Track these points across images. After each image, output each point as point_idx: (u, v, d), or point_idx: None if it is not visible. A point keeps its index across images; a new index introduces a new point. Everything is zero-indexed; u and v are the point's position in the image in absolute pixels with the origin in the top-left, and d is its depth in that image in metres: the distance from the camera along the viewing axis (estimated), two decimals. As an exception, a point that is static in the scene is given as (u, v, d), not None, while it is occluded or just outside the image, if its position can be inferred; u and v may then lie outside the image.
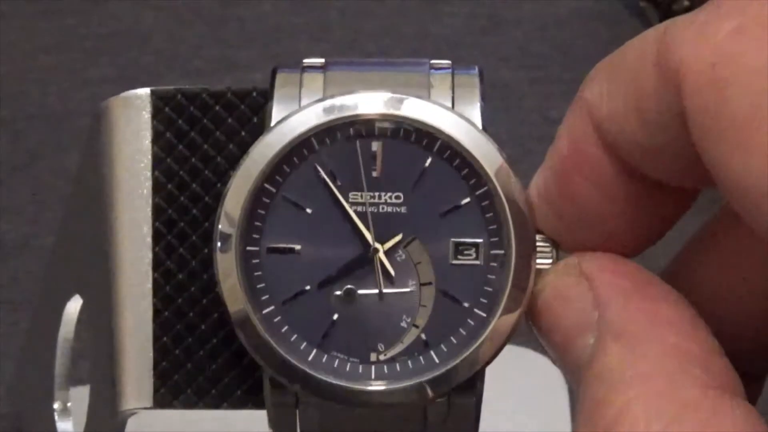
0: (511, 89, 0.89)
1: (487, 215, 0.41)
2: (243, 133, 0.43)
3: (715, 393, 0.35)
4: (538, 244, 0.41)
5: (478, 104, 0.42)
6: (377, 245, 0.41)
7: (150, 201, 0.43)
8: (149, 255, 0.43)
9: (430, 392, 0.41)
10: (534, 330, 0.41)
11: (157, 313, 0.43)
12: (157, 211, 0.43)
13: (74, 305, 0.50)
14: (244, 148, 0.42)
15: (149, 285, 0.43)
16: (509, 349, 0.42)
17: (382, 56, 0.43)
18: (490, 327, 0.41)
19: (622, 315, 0.37)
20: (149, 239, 0.43)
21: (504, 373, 0.42)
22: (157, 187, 0.43)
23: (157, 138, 0.43)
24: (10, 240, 0.74)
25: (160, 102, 0.43)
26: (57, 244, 0.52)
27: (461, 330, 0.41)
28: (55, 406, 0.52)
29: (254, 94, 0.43)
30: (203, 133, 0.43)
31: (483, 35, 0.93)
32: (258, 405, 0.43)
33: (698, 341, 0.37)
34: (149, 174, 0.43)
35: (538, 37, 0.92)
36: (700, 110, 0.35)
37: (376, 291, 0.41)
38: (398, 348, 0.42)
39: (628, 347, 0.36)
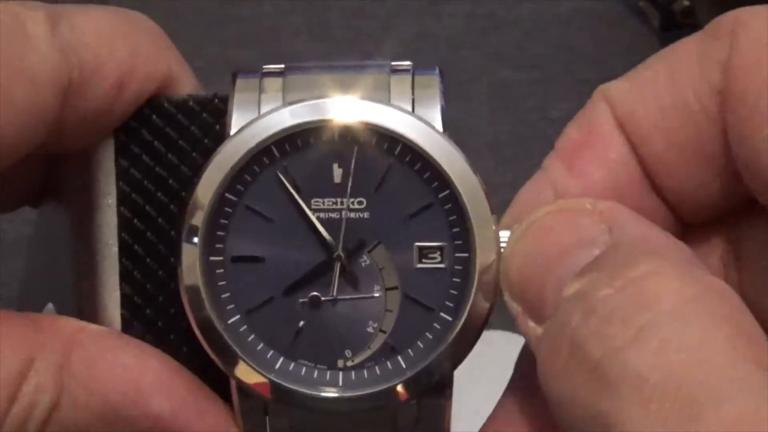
0: (511, 89, 0.89)
1: (451, 218, 0.41)
2: (206, 141, 0.43)
3: (728, 285, 0.36)
4: (502, 242, 0.40)
5: (438, 106, 0.41)
6: (337, 250, 0.41)
7: (115, 211, 0.43)
8: (116, 265, 0.43)
9: (398, 397, 0.41)
10: (515, 254, 0.40)
11: (126, 322, 0.43)
12: (123, 221, 0.43)
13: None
14: (207, 155, 0.41)
15: (117, 294, 0.43)
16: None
17: (379, 57, 0.42)
18: (457, 330, 0.41)
19: (639, 232, 0.37)
20: (116, 249, 0.43)
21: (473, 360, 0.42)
22: (122, 198, 0.43)
23: (121, 149, 0.43)
24: (10, 240, 0.74)
25: None
26: (29, 253, 0.52)
27: (428, 334, 0.41)
28: None
29: (216, 101, 0.43)
30: (166, 143, 0.43)
31: (483, 35, 0.92)
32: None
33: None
34: (113, 185, 0.43)
35: (538, 37, 0.92)
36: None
37: (341, 297, 0.41)
38: (366, 354, 0.41)
39: (646, 248, 0.36)
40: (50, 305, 0.48)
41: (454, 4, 0.94)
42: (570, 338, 0.35)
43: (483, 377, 0.53)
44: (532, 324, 0.38)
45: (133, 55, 0.41)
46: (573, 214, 0.38)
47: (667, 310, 0.34)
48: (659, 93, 0.39)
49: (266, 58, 0.43)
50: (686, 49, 0.39)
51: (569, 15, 0.93)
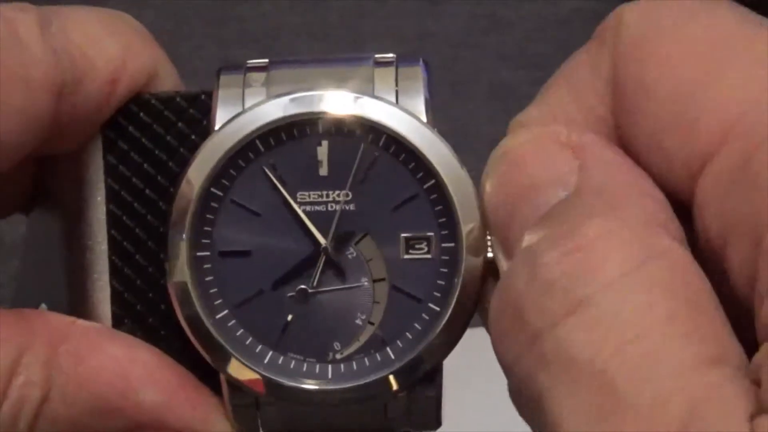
0: (511, 89, 0.89)
1: (437, 208, 0.41)
2: (193, 137, 0.43)
3: (684, 250, 0.35)
4: (489, 234, 0.40)
5: (422, 97, 0.41)
6: (324, 242, 0.41)
7: (104, 208, 0.43)
8: (106, 262, 0.43)
9: (388, 388, 0.41)
10: (487, 181, 0.39)
11: (116, 319, 0.43)
12: (112, 218, 0.43)
13: None
14: (194, 151, 0.41)
15: (107, 292, 0.43)
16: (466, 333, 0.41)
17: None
18: (445, 320, 0.41)
19: (608, 179, 0.36)
20: (105, 246, 0.43)
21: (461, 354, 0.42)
22: (110, 194, 0.43)
23: (109, 146, 0.43)
24: (10, 240, 0.74)
25: None
26: (23, 255, 0.52)
27: (416, 325, 0.41)
28: None
29: (203, 97, 0.43)
30: (154, 139, 0.43)
31: (483, 35, 0.93)
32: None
33: (676, 222, 0.37)
34: (102, 182, 0.43)
35: (538, 37, 0.92)
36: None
37: (328, 289, 0.41)
38: (355, 346, 0.42)
39: (607, 202, 0.35)
40: (44, 305, 0.48)
41: (454, 4, 0.94)
42: (514, 303, 0.35)
43: (475, 373, 0.53)
44: (502, 258, 0.38)
45: (123, 51, 0.42)
46: (547, 145, 0.38)
47: (608, 282, 0.33)
48: (568, 113, 0.39)
49: (268, 58, 0.43)
50: (581, 61, 0.39)
51: (569, 15, 0.93)
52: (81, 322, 0.42)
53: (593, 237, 0.34)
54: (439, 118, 0.41)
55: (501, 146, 0.39)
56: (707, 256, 0.35)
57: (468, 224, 0.40)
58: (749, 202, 0.33)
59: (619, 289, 0.33)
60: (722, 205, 0.34)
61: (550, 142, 0.38)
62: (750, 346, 0.33)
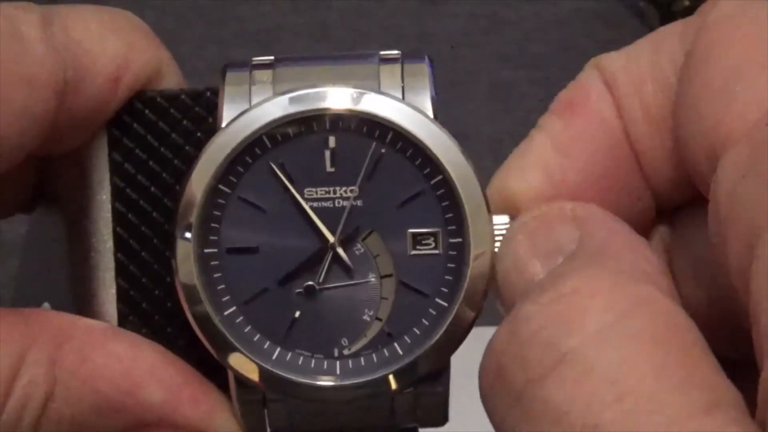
0: (511, 89, 0.89)
1: (444, 204, 0.41)
2: (199, 134, 0.43)
3: (670, 299, 0.34)
4: (495, 227, 0.40)
5: (429, 93, 0.41)
6: (331, 239, 0.41)
7: (109, 206, 0.43)
8: (112, 260, 0.43)
9: (395, 384, 0.41)
10: (500, 253, 0.40)
11: (122, 317, 0.43)
12: (118, 216, 0.43)
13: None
14: (200, 149, 0.41)
15: (113, 289, 0.43)
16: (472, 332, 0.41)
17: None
18: (452, 316, 0.41)
19: (604, 241, 0.37)
20: (110, 244, 0.43)
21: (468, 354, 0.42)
22: (116, 192, 0.43)
23: (114, 143, 0.43)
24: (10, 240, 0.74)
25: None
26: (25, 253, 0.52)
27: (424, 320, 0.41)
28: None
29: (208, 94, 0.43)
30: (159, 136, 0.43)
31: (483, 35, 0.93)
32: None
33: (668, 279, 0.37)
34: (107, 180, 0.43)
35: (538, 37, 0.92)
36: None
37: (335, 285, 0.41)
38: (362, 342, 0.41)
39: (597, 258, 0.35)
40: (46, 304, 0.48)
41: (454, 4, 0.94)
42: (497, 359, 0.35)
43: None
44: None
45: (125, 49, 0.42)
46: (552, 219, 0.38)
47: (591, 333, 0.33)
48: (641, 61, 0.39)
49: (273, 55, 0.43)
50: (674, 26, 0.40)
51: (569, 15, 0.93)
52: (85, 320, 0.42)
53: (573, 288, 0.34)
54: (439, 117, 0.41)
55: (512, 227, 0.40)
56: (716, 253, 0.35)
57: (475, 220, 0.40)
58: (749, 204, 0.33)
59: (604, 339, 0.33)
60: (726, 201, 0.34)
61: (555, 216, 0.38)
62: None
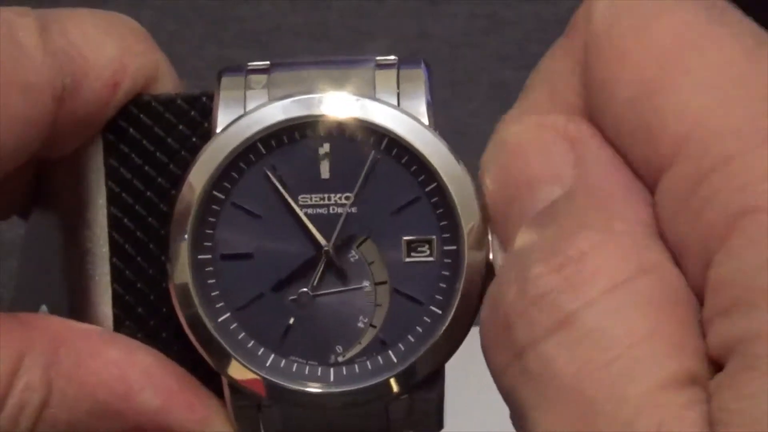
0: (511, 89, 0.89)
1: (438, 211, 0.41)
2: (194, 139, 0.43)
3: (673, 265, 0.34)
4: (490, 235, 0.40)
5: (424, 99, 0.41)
6: (326, 246, 0.41)
7: (104, 211, 0.43)
8: (107, 264, 0.43)
9: (390, 391, 0.41)
10: (486, 173, 0.39)
11: (118, 321, 0.43)
12: (113, 221, 0.43)
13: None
14: (195, 153, 0.41)
15: (108, 294, 0.43)
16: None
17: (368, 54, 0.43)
18: (447, 323, 0.41)
19: (602, 180, 0.36)
20: (106, 249, 0.43)
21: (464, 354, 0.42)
22: (111, 197, 0.43)
23: (109, 148, 0.43)
24: (10, 240, 0.74)
25: None
26: (22, 256, 0.52)
27: (418, 328, 0.41)
28: None
29: (204, 99, 0.43)
30: (155, 141, 0.43)
31: (483, 35, 0.93)
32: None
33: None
34: (103, 184, 0.43)
35: (538, 37, 0.92)
36: None
37: (329, 292, 0.41)
38: (356, 349, 0.41)
39: (600, 209, 0.35)
40: (44, 307, 0.48)
41: (454, 4, 0.94)
42: (504, 314, 0.35)
43: (476, 373, 0.53)
44: (499, 252, 0.38)
45: (123, 53, 0.42)
46: (545, 135, 0.37)
47: (595, 298, 0.33)
48: (548, 112, 0.38)
49: (266, 59, 0.43)
50: (556, 57, 0.38)
51: (569, 15, 0.93)
52: (80, 325, 0.42)
53: (583, 250, 0.34)
54: (439, 118, 0.41)
55: (498, 136, 0.39)
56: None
57: (470, 227, 0.40)
58: (697, 228, 0.33)
59: (604, 305, 0.33)
60: (673, 223, 0.34)
61: (548, 132, 0.37)
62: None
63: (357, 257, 0.41)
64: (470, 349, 0.41)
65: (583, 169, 0.36)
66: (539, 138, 0.37)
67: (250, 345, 0.41)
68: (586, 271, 0.34)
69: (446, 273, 0.41)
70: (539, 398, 0.33)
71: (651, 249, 0.34)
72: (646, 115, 0.34)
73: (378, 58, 0.42)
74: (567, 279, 0.34)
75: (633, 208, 0.35)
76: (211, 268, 0.41)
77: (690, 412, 0.32)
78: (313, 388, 0.41)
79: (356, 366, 0.41)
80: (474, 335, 0.41)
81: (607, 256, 0.34)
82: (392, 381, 0.41)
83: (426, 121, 0.41)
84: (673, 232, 0.34)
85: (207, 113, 0.43)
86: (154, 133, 0.43)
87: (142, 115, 0.43)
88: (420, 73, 0.42)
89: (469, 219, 0.40)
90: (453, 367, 0.42)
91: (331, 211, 0.41)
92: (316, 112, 0.41)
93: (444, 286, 0.41)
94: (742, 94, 0.33)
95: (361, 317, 0.41)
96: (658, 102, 0.34)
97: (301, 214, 0.41)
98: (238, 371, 0.41)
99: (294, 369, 0.41)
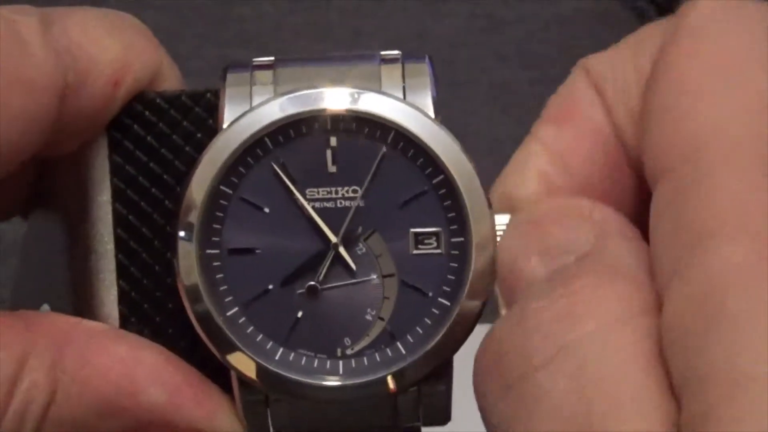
0: (511, 89, 0.89)
1: (446, 203, 0.41)
2: (199, 135, 0.43)
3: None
4: (497, 226, 0.41)
5: (430, 93, 0.41)
6: (334, 239, 0.41)
7: (109, 208, 0.43)
8: (112, 262, 0.43)
9: (398, 384, 0.41)
10: (507, 233, 0.40)
11: (124, 319, 0.43)
12: (118, 218, 0.43)
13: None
14: (200, 150, 0.41)
15: (114, 291, 0.43)
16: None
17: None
18: (455, 315, 0.41)
19: (618, 249, 0.37)
20: (111, 246, 0.43)
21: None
22: (116, 194, 0.43)
23: (114, 145, 0.43)
24: (10, 239, 0.74)
25: None
26: (23, 255, 0.52)
27: (426, 320, 0.41)
28: None
29: (208, 95, 0.43)
30: (160, 138, 0.43)
31: (483, 35, 0.93)
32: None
33: None
34: (108, 181, 0.43)
35: (539, 37, 0.92)
36: None
37: (337, 284, 0.42)
38: (365, 342, 0.42)
39: (608, 264, 0.36)
40: (46, 306, 0.48)
41: (454, 4, 0.94)
42: (497, 347, 0.35)
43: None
44: (502, 308, 0.39)
45: (125, 50, 0.42)
46: (570, 215, 0.39)
47: (591, 331, 0.34)
48: (626, 65, 0.39)
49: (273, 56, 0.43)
50: (655, 26, 0.40)
51: (569, 15, 0.93)
52: (85, 322, 0.42)
53: (581, 286, 0.35)
54: (444, 114, 0.42)
55: (526, 209, 0.40)
56: None
57: (477, 219, 0.40)
58: (671, 244, 0.34)
59: (599, 340, 0.33)
60: (654, 232, 0.35)
61: (574, 213, 0.38)
62: None
63: (364, 250, 0.42)
64: (477, 342, 0.41)
65: (603, 241, 0.37)
66: (564, 215, 0.39)
67: (258, 339, 0.41)
68: (583, 304, 0.34)
69: (454, 265, 0.41)
70: (538, 425, 0.33)
71: (644, 288, 0.35)
72: (667, 118, 0.36)
73: (383, 53, 0.42)
74: (564, 310, 0.34)
75: (640, 270, 0.36)
76: (218, 263, 0.41)
77: None
78: (322, 382, 0.41)
79: (365, 358, 0.42)
80: (479, 330, 0.41)
81: (606, 291, 0.34)
82: (400, 373, 0.41)
83: (432, 114, 0.41)
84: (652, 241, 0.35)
85: (212, 110, 0.43)
86: (158, 129, 0.43)
87: (146, 112, 0.43)
88: (425, 68, 0.42)
89: (476, 211, 0.40)
90: (459, 363, 0.42)
91: (338, 204, 0.41)
92: (322, 106, 0.41)
93: (452, 278, 0.41)
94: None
95: (369, 310, 0.42)
96: (679, 109, 0.35)
97: (308, 208, 0.41)
98: (246, 365, 0.41)
99: (303, 362, 0.41)
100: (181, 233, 0.41)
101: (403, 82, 0.42)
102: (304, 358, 0.42)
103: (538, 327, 0.34)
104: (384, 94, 0.41)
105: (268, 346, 0.41)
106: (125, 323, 0.43)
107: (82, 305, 0.44)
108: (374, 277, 0.42)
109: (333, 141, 0.41)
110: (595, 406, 0.32)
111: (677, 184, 0.34)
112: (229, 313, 0.41)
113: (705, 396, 0.30)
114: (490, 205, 0.40)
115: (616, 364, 0.33)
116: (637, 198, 0.40)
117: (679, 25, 0.37)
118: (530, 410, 0.33)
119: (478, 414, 0.39)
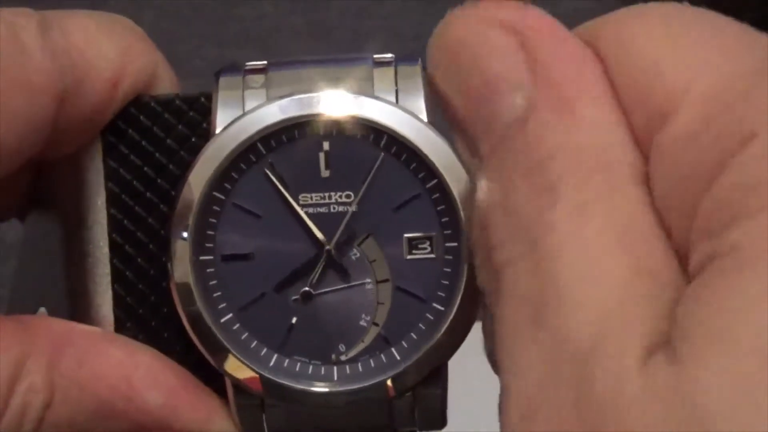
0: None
1: (439, 208, 0.41)
2: (193, 139, 0.43)
3: (636, 187, 0.34)
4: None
5: (422, 96, 0.41)
6: (327, 244, 0.41)
7: (104, 212, 0.43)
8: (107, 266, 0.43)
9: (393, 389, 0.41)
10: (437, 70, 0.38)
11: (119, 323, 0.43)
12: (113, 222, 0.43)
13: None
14: (195, 154, 0.41)
15: (109, 296, 0.43)
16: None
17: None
18: (450, 320, 0.41)
19: (561, 79, 0.36)
20: (106, 250, 0.43)
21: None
22: (111, 198, 0.43)
23: (109, 149, 0.43)
24: (10, 240, 0.74)
25: None
26: (20, 257, 0.52)
27: (421, 325, 0.41)
28: None
29: (202, 99, 0.43)
30: (154, 142, 0.43)
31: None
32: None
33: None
34: (102, 185, 0.43)
35: (538, 37, 0.92)
36: None
37: (331, 289, 0.41)
38: (359, 347, 0.42)
39: (564, 117, 0.35)
40: (42, 309, 0.48)
41: (453, 5, 0.94)
42: (475, 242, 0.36)
43: (478, 368, 0.53)
44: (466, 152, 0.37)
45: (122, 53, 0.42)
46: (491, 44, 0.37)
47: (568, 211, 0.33)
48: None
49: (265, 59, 0.43)
50: None
51: (569, 15, 0.93)
52: (82, 326, 0.42)
53: (559, 174, 0.34)
54: (438, 118, 0.41)
55: (441, 40, 0.39)
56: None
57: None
58: (692, 174, 0.33)
59: (577, 217, 0.33)
60: (670, 169, 0.34)
61: (491, 29, 0.37)
62: None
63: (358, 255, 0.41)
64: (472, 346, 0.41)
65: (541, 71, 0.36)
66: (484, 38, 0.37)
67: (253, 345, 0.41)
68: (561, 189, 0.34)
69: (448, 270, 0.41)
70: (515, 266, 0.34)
71: (620, 179, 0.34)
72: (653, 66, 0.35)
73: (375, 56, 0.42)
74: (544, 194, 0.34)
75: (598, 109, 0.35)
76: (212, 269, 0.41)
77: (636, 310, 0.32)
78: (317, 388, 0.41)
79: (359, 364, 0.41)
80: (476, 332, 0.41)
81: (580, 182, 0.34)
82: (396, 379, 0.41)
83: (425, 117, 0.41)
84: (666, 179, 0.34)
85: (206, 113, 0.43)
86: (153, 133, 0.43)
87: (141, 116, 0.43)
88: (417, 70, 0.42)
89: (469, 215, 0.40)
90: (454, 366, 0.42)
91: (331, 209, 0.41)
92: (315, 110, 0.41)
93: (446, 282, 0.41)
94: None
95: (363, 315, 0.41)
96: (662, 61, 0.35)
97: (301, 213, 0.41)
98: (240, 371, 0.41)
99: (298, 368, 0.41)
100: (175, 237, 0.41)
101: (396, 85, 0.41)
102: (299, 364, 0.41)
103: (522, 208, 0.34)
104: (376, 98, 0.41)
105: (263, 353, 0.41)
106: (120, 327, 0.43)
107: (78, 309, 0.44)
108: (368, 282, 0.41)
109: (326, 146, 0.41)
110: (562, 276, 0.33)
111: (695, 125, 0.34)
112: (223, 319, 0.41)
113: None
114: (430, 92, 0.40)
115: (590, 240, 0.33)
116: None
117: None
118: (509, 295, 0.34)
119: (474, 418, 0.39)
